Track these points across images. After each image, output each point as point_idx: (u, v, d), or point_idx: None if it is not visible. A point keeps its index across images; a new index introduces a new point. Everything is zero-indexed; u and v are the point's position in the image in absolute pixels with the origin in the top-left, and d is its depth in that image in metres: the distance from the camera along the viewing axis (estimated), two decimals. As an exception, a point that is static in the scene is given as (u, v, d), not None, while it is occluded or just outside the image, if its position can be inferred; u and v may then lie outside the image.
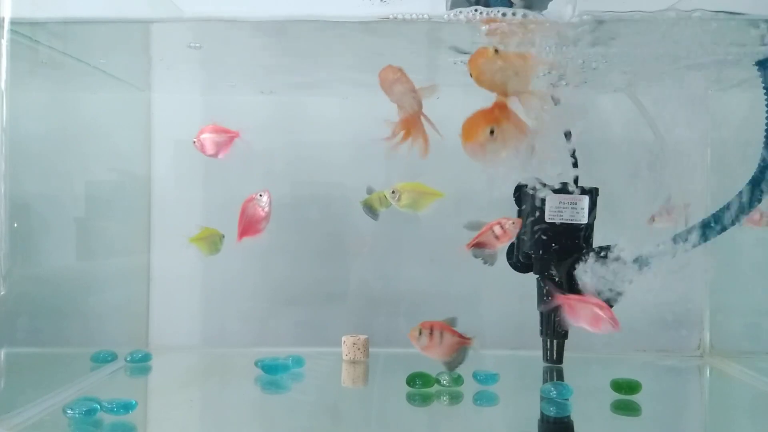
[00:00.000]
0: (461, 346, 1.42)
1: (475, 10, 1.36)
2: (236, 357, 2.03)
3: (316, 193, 2.12)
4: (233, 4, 1.44)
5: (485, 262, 1.55)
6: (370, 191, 1.73)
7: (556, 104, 1.50)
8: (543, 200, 1.62)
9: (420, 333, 1.40)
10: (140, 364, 1.88)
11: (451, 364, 1.43)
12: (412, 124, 1.37)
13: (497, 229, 1.51)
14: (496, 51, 1.22)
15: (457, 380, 1.61)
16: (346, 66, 1.78)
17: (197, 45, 1.58)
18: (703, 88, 1.93)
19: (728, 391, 1.84)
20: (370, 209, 1.73)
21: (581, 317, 1.41)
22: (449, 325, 1.42)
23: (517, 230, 1.53)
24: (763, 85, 1.52)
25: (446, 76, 1.84)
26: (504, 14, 1.36)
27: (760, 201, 1.51)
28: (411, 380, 1.61)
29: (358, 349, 1.89)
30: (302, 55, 1.72)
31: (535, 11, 1.36)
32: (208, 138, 1.66)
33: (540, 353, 1.75)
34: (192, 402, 1.65)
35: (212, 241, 1.71)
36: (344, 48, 1.64)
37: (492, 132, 1.22)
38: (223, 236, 1.72)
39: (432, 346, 1.40)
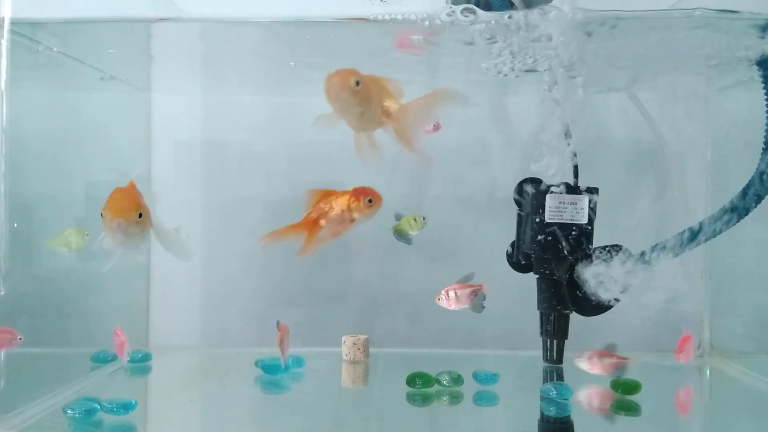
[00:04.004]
0: None
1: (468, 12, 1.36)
2: (236, 357, 2.03)
3: (316, 193, 2.11)
4: (233, 4, 1.44)
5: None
6: (398, 217, 1.75)
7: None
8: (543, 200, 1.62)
9: None
10: (140, 364, 1.88)
11: None
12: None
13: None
14: (357, 83, 1.24)
15: (457, 380, 1.61)
16: (345, 65, 1.78)
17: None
18: (704, 88, 1.94)
19: (728, 391, 1.84)
20: (402, 234, 1.75)
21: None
22: None
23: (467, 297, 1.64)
24: (763, 85, 1.52)
25: (447, 74, 1.84)
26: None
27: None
28: (411, 380, 1.60)
29: (358, 349, 1.89)
30: (303, 55, 1.72)
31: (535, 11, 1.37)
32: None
33: (540, 353, 1.75)
34: (192, 402, 1.65)
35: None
36: (344, 47, 1.64)
37: (357, 83, 1.24)
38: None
39: None
